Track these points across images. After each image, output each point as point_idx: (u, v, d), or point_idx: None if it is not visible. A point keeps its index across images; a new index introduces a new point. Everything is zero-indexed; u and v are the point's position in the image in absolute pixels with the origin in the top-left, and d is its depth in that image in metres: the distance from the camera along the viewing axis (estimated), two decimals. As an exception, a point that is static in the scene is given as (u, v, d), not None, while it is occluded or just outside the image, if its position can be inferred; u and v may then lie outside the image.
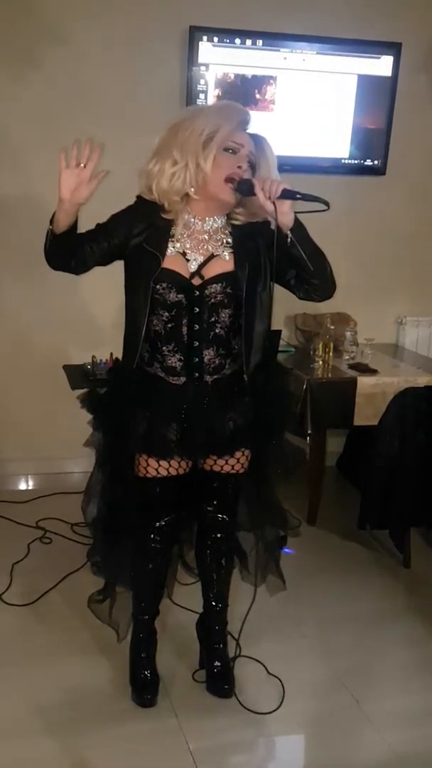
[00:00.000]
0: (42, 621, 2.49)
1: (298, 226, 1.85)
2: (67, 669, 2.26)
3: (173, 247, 1.91)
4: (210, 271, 1.92)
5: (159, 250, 1.90)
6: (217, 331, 1.95)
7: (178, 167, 1.85)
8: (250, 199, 1.89)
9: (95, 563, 2.18)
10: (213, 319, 1.94)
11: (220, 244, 1.94)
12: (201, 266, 1.92)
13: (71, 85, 3.22)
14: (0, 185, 3.25)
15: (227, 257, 1.93)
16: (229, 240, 1.94)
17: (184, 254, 1.92)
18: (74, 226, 1.89)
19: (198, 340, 1.94)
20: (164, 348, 1.95)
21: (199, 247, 1.92)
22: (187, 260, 1.91)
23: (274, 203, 1.79)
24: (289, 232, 1.83)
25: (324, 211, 1.79)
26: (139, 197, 1.96)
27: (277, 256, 1.85)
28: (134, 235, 1.92)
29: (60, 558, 2.80)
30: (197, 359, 1.96)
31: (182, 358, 1.95)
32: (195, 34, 3.25)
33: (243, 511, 2.19)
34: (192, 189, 1.88)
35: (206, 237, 1.93)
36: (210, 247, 1.93)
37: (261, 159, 1.91)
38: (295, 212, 1.83)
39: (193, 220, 1.92)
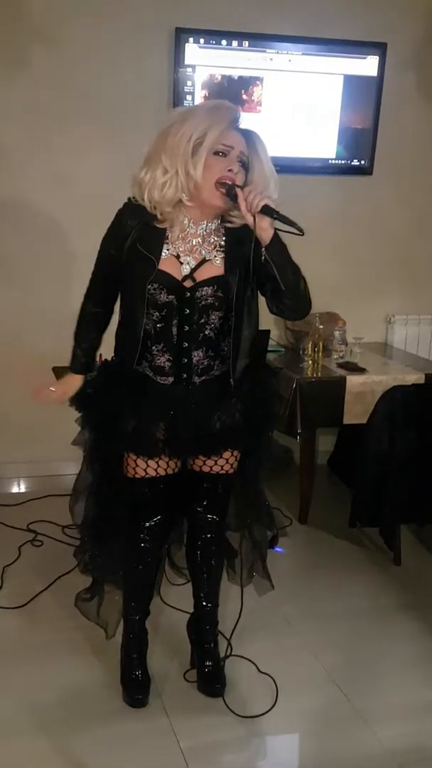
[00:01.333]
0: (34, 623, 2.49)
1: (274, 244, 1.83)
2: (60, 670, 2.27)
3: (167, 250, 1.92)
4: (202, 275, 1.93)
5: (154, 253, 1.90)
6: (206, 332, 1.96)
7: (168, 175, 1.84)
8: None
9: (83, 562, 2.18)
10: (203, 320, 1.95)
11: (212, 247, 1.94)
12: (193, 270, 1.92)
13: (59, 87, 3.22)
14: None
15: (218, 261, 1.93)
16: (222, 243, 1.95)
17: (177, 257, 1.92)
18: (89, 360, 2.11)
19: (187, 341, 1.95)
20: (153, 347, 1.96)
21: (192, 251, 1.93)
22: (181, 263, 1.92)
23: (254, 216, 1.80)
24: (263, 249, 1.83)
25: (299, 235, 1.78)
26: (129, 200, 1.96)
27: (254, 266, 1.86)
28: (127, 238, 1.91)
29: (51, 560, 2.80)
30: (186, 360, 1.97)
31: (171, 358, 1.96)
32: (181, 35, 3.26)
33: (230, 510, 2.20)
34: (185, 196, 1.88)
35: (200, 240, 1.93)
36: (203, 251, 1.93)
37: (253, 156, 1.90)
38: (275, 228, 1.83)
39: (188, 223, 1.92)
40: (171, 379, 1.98)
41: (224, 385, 1.99)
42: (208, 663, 2.20)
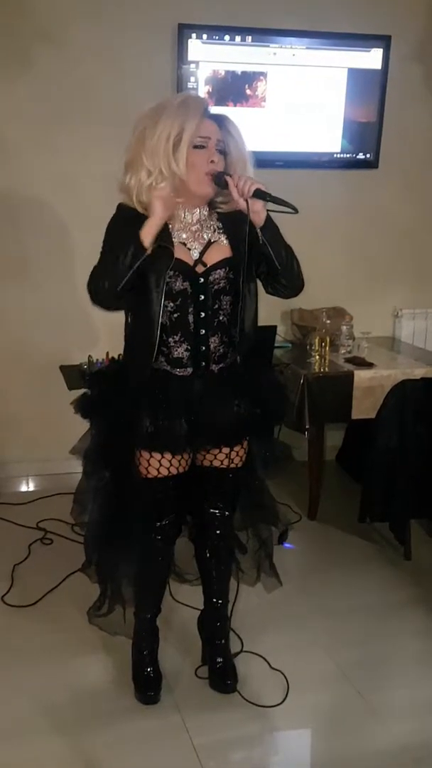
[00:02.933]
0: (44, 621, 2.49)
1: (269, 226, 1.88)
2: (71, 668, 2.27)
3: (175, 239, 1.93)
4: (211, 258, 1.94)
5: (166, 241, 1.90)
6: (220, 318, 1.97)
7: (153, 177, 1.86)
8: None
9: (92, 573, 2.17)
10: (216, 306, 1.96)
11: (213, 230, 1.96)
12: (202, 253, 1.94)
13: (63, 86, 3.22)
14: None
15: (225, 242, 1.95)
16: (220, 225, 1.97)
17: (184, 244, 1.94)
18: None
19: (204, 327, 1.96)
20: (170, 339, 1.95)
21: (195, 237, 1.95)
22: (189, 249, 1.94)
23: (246, 201, 1.83)
24: (259, 231, 1.87)
25: (292, 213, 1.83)
26: (121, 204, 1.96)
27: (251, 249, 1.89)
28: (133, 228, 1.89)
29: (61, 558, 2.80)
30: (204, 348, 1.97)
31: (189, 347, 1.96)
32: (184, 31, 3.24)
33: (237, 510, 2.18)
34: (172, 193, 1.89)
35: (198, 226, 1.96)
36: (205, 235, 1.96)
37: (228, 139, 1.92)
38: (267, 210, 1.87)
39: (183, 213, 1.94)
40: (190, 370, 1.98)
41: (238, 374, 2.00)
42: (219, 659, 2.20)
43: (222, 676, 2.18)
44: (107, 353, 3.00)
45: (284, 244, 1.93)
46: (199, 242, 1.94)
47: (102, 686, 2.20)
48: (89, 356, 3.09)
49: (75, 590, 2.56)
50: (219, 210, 1.98)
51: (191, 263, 1.93)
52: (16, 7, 3.10)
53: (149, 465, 2.01)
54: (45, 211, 3.31)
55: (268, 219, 1.88)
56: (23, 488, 3.49)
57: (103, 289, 1.87)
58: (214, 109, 1.97)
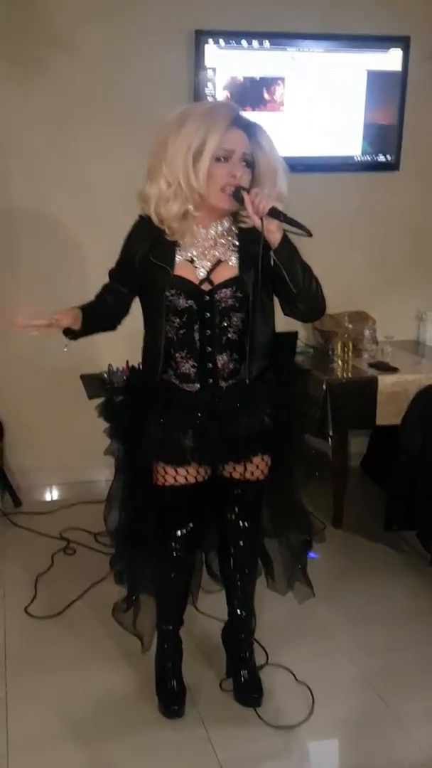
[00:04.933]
0: (67, 632, 2.48)
1: (284, 248, 1.81)
2: (94, 679, 2.25)
3: (180, 256, 1.90)
4: (219, 276, 1.91)
5: (167, 261, 1.89)
6: (229, 335, 1.93)
7: (172, 189, 1.82)
8: None
9: (118, 572, 2.16)
10: (225, 323, 1.92)
11: (226, 248, 1.92)
12: (209, 272, 1.90)
13: (79, 93, 3.22)
14: (10, 193, 3.26)
15: (233, 262, 1.91)
16: (236, 243, 1.92)
17: (191, 261, 1.91)
18: (86, 315, 2.01)
19: (210, 345, 1.93)
20: (177, 354, 1.94)
21: (206, 254, 1.91)
22: (195, 267, 1.90)
23: (262, 219, 1.77)
24: (272, 253, 1.81)
25: (306, 237, 1.76)
26: (141, 218, 1.94)
27: (265, 269, 1.83)
28: (142, 252, 1.92)
29: (84, 568, 2.79)
30: (210, 365, 1.94)
31: (195, 364, 1.94)
32: (201, 37, 3.23)
33: (266, 516, 2.16)
34: (191, 206, 1.85)
35: (212, 243, 1.92)
36: (217, 253, 1.92)
37: (257, 150, 1.85)
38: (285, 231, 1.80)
39: (197, 228, 1.91)
40: (197, 386, 1.96)
41: (251, 389, 1.96)
42: (244, 672, 2.17)
43: (247, 689, 2.15)
44: (127, 362, 2.97)
45: (301, 266, 1.84)
46: (208, 260, 1.90)
47: (125, 698, 2.18)
48: (109, 365, 3.07)
49: (98, 601, 2.55)
50: (242, 225, 1.93)
51: (196, 281, 1.89)
52: (31, 14, 3.11)
53: (165, 473, 2.00)
54: (61, 217, 3.31)
55: (284, 240, 1.81)
56: (46, 497, 3.49)
57: None
58: (247, 116, 1.89)
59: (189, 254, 1.91)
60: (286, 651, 2.31)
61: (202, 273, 1.90)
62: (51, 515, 3.27)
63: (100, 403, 2.09)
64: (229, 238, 1.93)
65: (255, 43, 3.28)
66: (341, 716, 2.13)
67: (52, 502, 3.44)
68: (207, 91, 3.29)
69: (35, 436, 3.45)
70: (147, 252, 1.91)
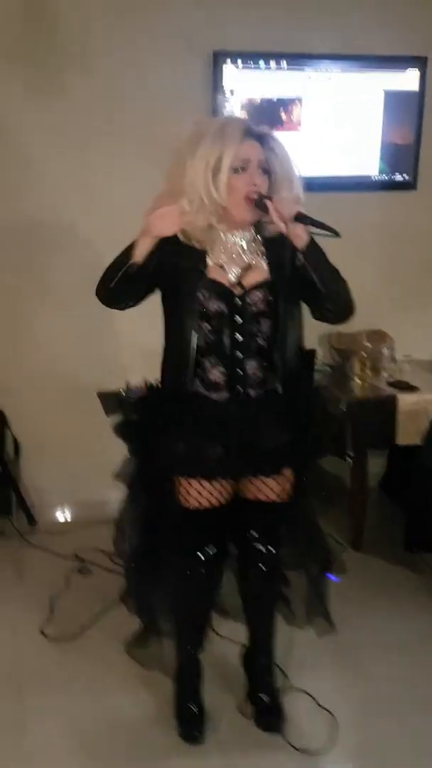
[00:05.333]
0: (83, 653, 2.44)
1: (312, 250, 1.82)
2: (111, 703, 2.21)
3: (211, 261, 1.90)
4: (250, 280, 1.90)
5: (199, 263, 1.88)
6: (259, 342, 1.92)
7: (194, 205, 1.83)
8: None
9: (132, 604, 2.12)
10: (255, 329, 1.91)
11: (254, 254, 1.92)
12: (240, 276, 1.90)
13: (97, 114, 3.24)
14: (30, 213, 3.27)
15: (264, 265, 1.91)
16: (263, 250, 1.93)
17: (221, 267, 1.91)
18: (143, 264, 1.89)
19: (241, 351, 1.91)
20: (206, 361, 1.92)
21: (235, 259, 1.91)
22: (225, 271, 1.90)
23: (287, 224, 1.78)
24: (300, 255, 1.82)
25: (334, 238, 1.78)
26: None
27: (294, 275, 1.84)
28: (167, 254, 1.88)
29: (99, 589, 2.74)
30: (240, 371, 1.92)
31: (225, 370, 1.92)
32: (219, 58, 3.26)
33: (285, 546, 2.10)
34: (214, 219, 1.86)
35: (240, 249, 1.92)
36: (246, 258, 1.92)
37: (271, 158, 1.87)
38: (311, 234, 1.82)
39: (224, 237, 1.91)
40: (226, 394, 1.93)
41: (279, 400, 1.94)
42: (264, 696, 2.12)
43: (267, 714, 2.10)
44: (145, 379, 2.97)
45: (329, 268, 1.86)
46: (238, 265, 1.91)
47: (142, 723, 2.13)
48: (127, 382, 3.06)
49: (114, 622, 2.50)
50: (266, 234, 1.93)
51: (227, 284, 1.89)
52: (50, 35, 3.13)
53: (188, 494, 1.96)
54: (77, 235, 3.32)
55: (311, 243, 1.82)
56: (59, 517, 3.45)
57: (101, 283, 1.94)
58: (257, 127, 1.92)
59: (219, 260, 1.91)
60: (307, 675, 2.26)
61: (233, 276, 1.90)
62: (66, 535, 3.23)
63: (117, 423, 2.06)
64: (254, 246, 1.93)
65: (273, 63, 3.30)
66: (366, 744, 2.08)
67: (67, 521, 3.41)
68: (225, 112, 3.31)
69: (50, 455, 3.43)
70: (175, 257, 1.89)
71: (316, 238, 1.85)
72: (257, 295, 1.90)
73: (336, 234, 1.77)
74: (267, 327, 1.92)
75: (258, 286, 1.90)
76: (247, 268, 1.90)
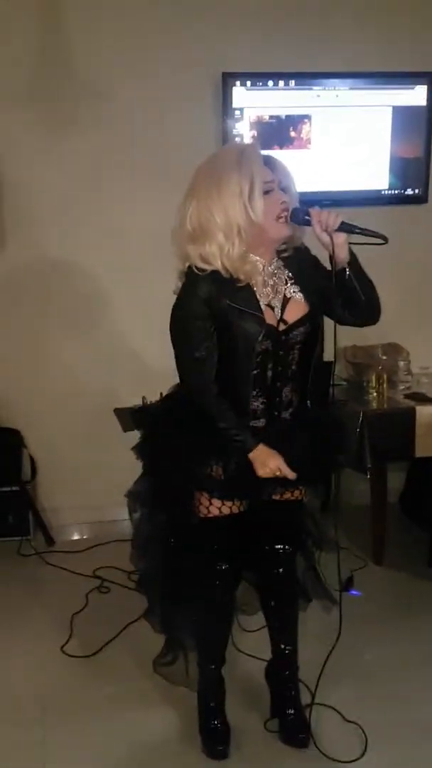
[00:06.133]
0: (105, 672, 2.41)
1: (354, 260, 1.86)
2: (133, 721, 2.17)
3: (262, 302, 1.87)
4: (291, 315, 1.90)
5: (255, 308, 1.85)
6: (293, 368, 1.94)
7: (231, 238, 1.79)
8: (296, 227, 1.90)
9: (156, 622, 2.10)
10: (291, 357, 1.93)
11: (284, 283, 1.92)
12: (282, 310, 1.90)
13: (108, 138, 3.28)
14: (46, 239, 3.32)
15: (300, 297, 1.91)
16: (290, 275, 1.93)
17: (269, 305, 1.89)
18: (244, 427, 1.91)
19: (280, 380, 1.93)
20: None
21: (275, 292, 1.91)
22: (272, 309, 1.89)
23: (330, 235, 1.80)
24: (347, 266, 1.84)
25: (382, 244, 1.81)
26: (190, 269, 1.86)
27: (322, 291, 1.87)
28: (216, 299, 1.83)
29: (119, 607, 2.72)
30: (278, 399, 1.94)
31: (265, 400, 1.93)
32: (228, 80, 3.31)
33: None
34: (245, 247, 1.82)
35: (275, 280, 1.92)
36: (281, 288, 1.91)
37: (283, 177, 1.89)
38: (350, 243, 1.84)
39: (262, 268, 1.89)
40: (263, 421, 1.93)
41: (303, 416, 1.96)
42: (290, 711, 2.07)
43: (294, 729, 2.05)
44: (161, 394, 2.96)
45: (367, 276, 1.90)
46: (278, 299, 1.90)
47: (165, 740, 2.09)
48: (143, 397, 3.05)
49: (134, 640, 2.48)
50: (284, 254, 1.94)
51: (275, 324, 1.89)
52: (62, 67, 3.20)
53: (210, 504, 1.95)
54: (93, 259, 3.36)
55: (352, 252, 1.85)
56: (76, 536, 3.44)
57: (205, 406, 1.88)
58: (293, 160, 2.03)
59: (267, 299, 1.88)
60: (331, 692, 2.21)
61: (278, 314, 1.89)
62: (84, 554, 3.22)
63: (138, 444, 2.03)
64: (280, 271, 1.93)
65: (281, 83, 3.35)
66: (393, 759, 2.02)
67: (85, 540, 3.39)
68: (234, 132, 3.35)
69: (67, 474, 3.43)
70: (221, 297, 1.83)
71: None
72: (299, 330, 1.91)
73: (385, 239, 1.80)
74: (297, 351, 1.93)
75: (300, 321, 1.90)
76: (286, 302, 1.90)
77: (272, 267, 1.91)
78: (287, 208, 1.85)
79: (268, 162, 1.89)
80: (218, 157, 1.88)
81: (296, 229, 1.90)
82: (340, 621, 2.02)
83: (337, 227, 1.80)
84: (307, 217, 1.84)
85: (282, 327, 1.89)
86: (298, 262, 1.93)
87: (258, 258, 1.88)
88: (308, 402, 1.96)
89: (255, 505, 2.01)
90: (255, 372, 1.88)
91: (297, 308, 1.90)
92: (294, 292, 1.91)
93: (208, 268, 1.83)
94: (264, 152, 1.93)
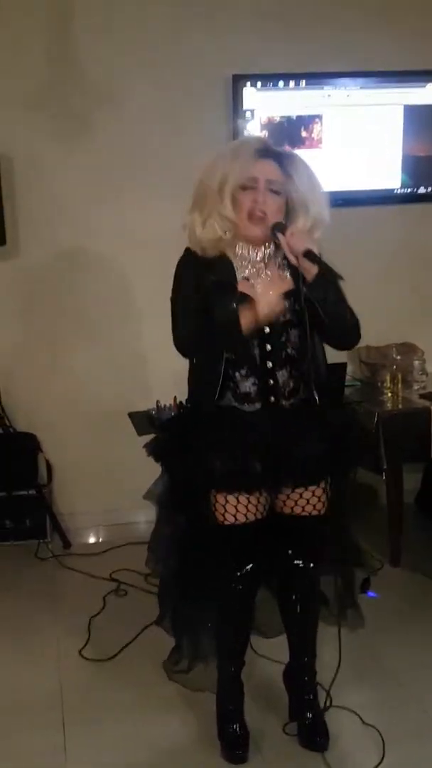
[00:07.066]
0: (123, 675, 2.41)
1: (317, 285, 1.85)
2: (151, 725, 2.17)
3: (239, 275, 1.93)
4: (275, 290, 1.91)
5: (230, 278, 1.91)
6: (288, 351, 1.93)
7: (204, 217, 1.89)
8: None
9: (169, 627, 2.11)
10: (284, 338, 1.93)
11: (278, 267, 1.95)
12: (265, 287, 1.91)
13: (121, 143, 3.29)
14: (59, 244, 3.34)
15: (287, 275, 1.93)
16: (285, 262, 1.94)
17: (247, 279, 1.93)
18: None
19: (271, 360, 1.92)
20: (237, 374, 1.92)
21: (259, 273, 1.94)
22: (252, 284, 1.92)
23: (297, 258, 1.84)
24: (304, 288, 1.84)
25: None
26: (187, 249, 2.00)
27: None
28: (201, 273, 1.93)
29: (136, 610, 2.72)
30: (272, 381, 1.92)
31: (256, 381, 1.92)
32: (238, 81, 3.31)
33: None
34: (228, 234, 1.90)
35: (263, 264, 1.95)
36: (270, 271, 1.94)
37: (294, 175, 1.90)
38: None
39: (247, 252, 1.94)
40: (258, 405, 1.93)
41: (313, 410, 1.93)
42: (308, 715, 2.07)
43: (312, 732, 2.05)
44: (174, 398, 2.97)
45: (334, 299, 1.88)
46: (262, 278, 1.93)
47: (184, 744, 2.10)
48: (157, 401, 3.07)
49: (153, 643, 2.47)
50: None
51: (255, 297, 1.90)
52: (73, 71, 3.21)
53: (225, 511, 1.94)
54: (106, 263, 3.37)
55: (319, 276, 1.85)
56: (93, 539, 3.46)
57: (195, 348, 1.94)
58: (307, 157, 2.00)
59: (245, 273, 1.93)
60: (349, 695, 2.20)
61: (259, 289, 1.90)
62: (100, 556, 3.23)
63: (149, 442, 2.06)
64: (279, 259, 1.95)
65: (291, 83, 3.34)
66: (414, 763, 2.01)
67: (101, 543, 3.41)
68: (245, 133, 3.35)
69: (83, 477, 3.45)
70: (206, 273, 1.93)
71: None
72: (284, 304, 1.90)
73: (340, 277, 1.85)
74: (295, 336, 1.93)
75: (285, 295, 1.90)
76: (271, 279, 1.92)
77: (260, 253, 1.94)
78: (262, 210, 1.87)
79: (279, 160, 1.90)
80: (228, 145, 1.99)
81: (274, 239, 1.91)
82: (339, 631, 2.03)
83: (301, 254, 1.83)
84: (278, 236, 1.87)
85: None
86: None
87: (239, 244, 1.93)
88: (315, 394, 1.91)
89: (276, 517, 2.00)
90: (241, 349, 1.90)
91: (281, 284, 1.91)
92: (281, 271, 1.93)
93: (189, 241, 1.95)
94: (286, 150, 1.96)
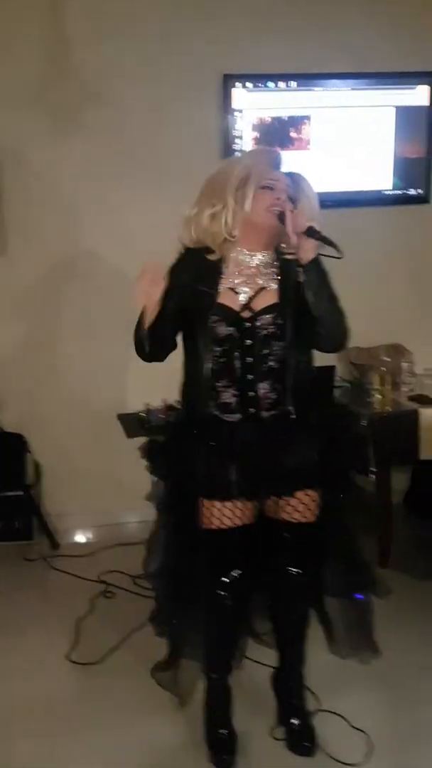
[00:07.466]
0: (111, 679, 2.41)
1: (313, 268, 1.86)
2: (140, 729, 2.17)
3: (224, 284, 1.93)
4: (259, 303, 1.93)
5: (211, 287, 1.92)
6: (270, 364, 1.93)
7: (216, 209, 1.91)
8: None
9: (160, 626, 2.10)
10: (266, 351, 1.92)
11: (268, 278, 1.95)
12: (250, 299, 1.92)
13: (113, 143, 3.27)
14: (51, 243, 3.31)
15: (274, 288, 1.93)
16: (277, 272, 1.94)
17: (233, 289, 1.93)
18: (159, 312, 1.90)
19: (252, 373, 1.92)
20: (218, 384, 1.93)
21: (248, 281, 1.94)
22: (237, 293, 1.93)
23: (298, 236, 1.84)
24: (300, 269, 1.85)
25: (337, 258, 1.83)
26: (184, 247, 2.00)
27: (297, 297, 1.87)
28: (188, 279, 1.94)
29: (124, 612, 2.72)
30: (252, 393, 1.92)
31: (236, 393, 1.93)
32: (229, 81, 3.29)
33: (325, 572, 2.06)
34: (235, 231, 1.91)
35: (255, 271, 1.95)
36: (260, 281, 1.94)
37: (300, 194, 1.94)
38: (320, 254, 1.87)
39: (242, 256, 1.94)
40: (238, 416, 1.94)
41: (295, 421, 1.94)
42: (295, 720, 2.08)
43: (300, 737, 2.06)
44: (164, 400, 2.97)
45: (328, 291, 1.89)
46: (251, 287, 1.93)
47: (172, 748, 2.10)
48: (146, 404, 3.07)
49: (140, 646, 2.48)
50: (285, 257, 1.95)
51: (237, 308, 1.92)
52: (65, 70, 3.19)
53: (211, 515, 1.95)
54: (101, 263, 3.36)
55: (314, 261, 1.86)
56: (82, 539, 3.44)
57: (138, 351, 1.95)
58: (293, 162, 2.04)
59: (232, 282, 1.93)
60: (339, 697, 2.21)
61: (242, 299, 1.92)
62: (88, 558, 3.22)
63: (143, 445, 2.07)
64: (272, 269, 1.95)
65: (282, 84, 3.33)
66: (401, 764, 2.02)
67: (89, 544, 3.39)
68: (235, 133, 3.34)
69: (71, 479, 3.43)
70: (192, 280, 1.93)
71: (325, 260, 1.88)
72: (266, 318, 1.91)
73: (340, 255, 1.82)
74: (279, 349, 1.92)
75: (267, 310, 1.91)
76: (258, 291, 1.93)
77: (256, 259, 1.95)
78: (281, 205, 1.89)
79: (291, 176, 1.96)
80: (244, 152, 2.02)
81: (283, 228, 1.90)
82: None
83: (304, 230, 1.83)
84: (283, 215, 1.89)
85: (248, 314, 1.91)
86: (292, 268, 1.91)
87: (238, 246, 1.93)
88: (291, 408, 1.92)
89: (266, 523, 1.99)
90: (222, 360, 1.91)
91: (267, 297, 1.93)
92: (270, 284, 1.94)
93: (185, 239, 1.97)
94: (297, 172, 2.00)
